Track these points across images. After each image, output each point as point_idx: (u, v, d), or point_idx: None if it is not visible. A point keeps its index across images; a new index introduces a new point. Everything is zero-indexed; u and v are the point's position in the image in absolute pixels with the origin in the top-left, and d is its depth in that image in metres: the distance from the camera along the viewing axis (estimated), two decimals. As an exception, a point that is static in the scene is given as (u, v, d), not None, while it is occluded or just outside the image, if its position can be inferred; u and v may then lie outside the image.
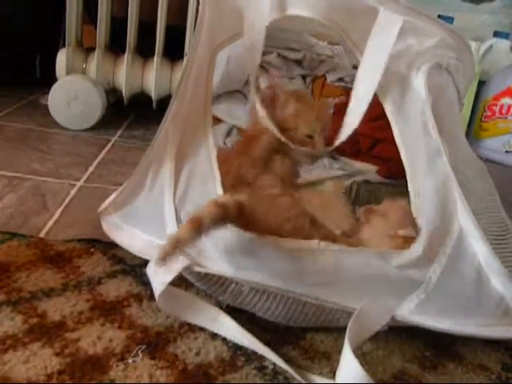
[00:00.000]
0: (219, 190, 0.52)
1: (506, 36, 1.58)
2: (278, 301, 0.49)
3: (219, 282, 0.50)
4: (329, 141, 0.60)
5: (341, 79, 1.21)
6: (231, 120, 1.12)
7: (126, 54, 1.16)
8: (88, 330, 0.48)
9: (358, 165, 1.06)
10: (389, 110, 0.53)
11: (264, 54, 0.58)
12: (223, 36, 0.56)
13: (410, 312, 0.49)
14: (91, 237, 0.65)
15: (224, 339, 0.49)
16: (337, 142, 0.58)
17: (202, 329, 0.50)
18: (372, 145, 1.08)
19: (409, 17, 0.51)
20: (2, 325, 0.47)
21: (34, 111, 1.25)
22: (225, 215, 0.46)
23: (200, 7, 0.53)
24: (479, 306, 0.50)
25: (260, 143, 0.60)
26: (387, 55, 0.51)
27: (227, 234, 0.48)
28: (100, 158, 0.99)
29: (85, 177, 0.88)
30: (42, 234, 0.65)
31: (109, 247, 0.62)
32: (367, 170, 1.03)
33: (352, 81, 0.61)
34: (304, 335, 0.52)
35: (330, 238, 0.52)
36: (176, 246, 0.44)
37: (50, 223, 0.69)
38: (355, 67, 1.16)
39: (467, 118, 1.46)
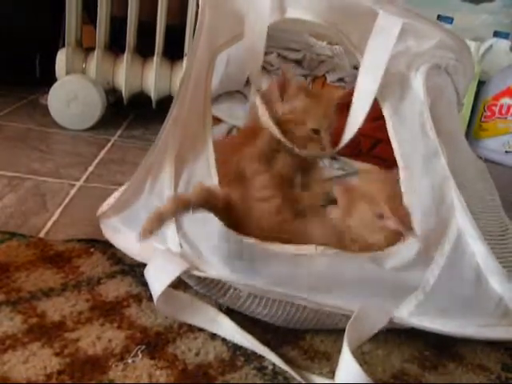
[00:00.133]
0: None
1: (505, 36, 1.57)
2: (277, 306, 0.49)
3: (218, 286, 0.50)
4: (332, 138, 0.60)
5: (341, 79, 1.21)
6: (231, 120, 1.12)
7: (125, 54, 1.16)
8: (87, 330, 0.48)
9: (358, 165, 1.06)
10: (386, 110, 0.53)
11: (264, 54, 0.58)
12: (223, 38, 0.56)
13: (408, 314, 0.49)
14: (91, 237, 0.65)
15: (223, 339, 0.49)
16: (340, 145, 0.58)
17: (201, 329, 0.50)
18: (373, 145, 1.07)
19: (408, 19, 0.51)
20: (2, 325, 0.47)
21: (34, 111, 1.25)
22: (210, 200, 0.49)
23: (200, 10, 0.52)
24: (478, 306, 0.50)
25: (262, 138, 0.59)
26: (387, 57, 0.51)
27: (226, 239, 0.48)
28: (100, 157, 0.99)
29: (84, 177, 0.88)
30: (41, 234, 0.65)
31: (108, 247, 0.62)
32: (367, 170, 1.03)
33: (352, 81, 0.61)
34: (304, 335, 0.52)
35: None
36: (160, 220, 0.48)
37: (50, 223, 0.69)
38: (355, 67, 1.16)
39: (467, 118, 1.45)
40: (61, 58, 1.15)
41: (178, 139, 0.54)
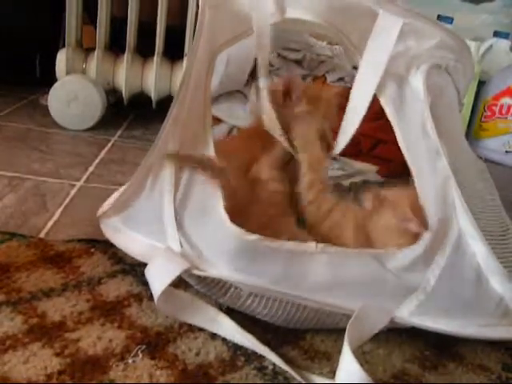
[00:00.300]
0: (218, 195, 0.51)
1: (505, 36, 1.57)
2: (278, 305, 0.49)
3: (218, 285, 0.50)
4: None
5: (341, 79, 1.21)
6: (231, 120, 1.12)
7: (125, 54, 1.16)
8: (88, 330, 0.48)
9: (358, 165, 1.06)
10: (388, 110, 0.53)
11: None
12: (223, 38, 0.56)
13: (409, 313, 0.49)
14: (91, 237, 0.65)
15: (224, 339, 0.49)
16: (338, 149, 0.58)
17: (201, 329, 0.50)
18: (373, 145, 1.07)
19: (408, 19, 0.51)
20: (2, 325, 0.47)
21: (34, 111, 1.25)
22: (210, 166, 0.52)
23: (200, 10, 0.53)
24: (479, 306, 0.50)
25: (278, 147, 0.59)
26: (387, 57, 0.51)
27: (227, 238, 0.48)
28: (100, 157, 0.99)
29: (85, 177, 0.88)
30: (41, 235, 0.65)
31: (109, 247, 0.62)
32: (367, 170, 1.03)
33: (352, 81, 0.61)
34: (304, 335, 0.52)
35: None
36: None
37: (50, 223, 0.69)
38: (355, 67, 1.16)
39: (467, 118, 1.45)
40: (61, 58, 1.15)
41: (178, 139, 0.54)
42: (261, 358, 0.48)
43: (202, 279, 0.50)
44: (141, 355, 0.46)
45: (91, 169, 0.92)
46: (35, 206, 0.74)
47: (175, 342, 0.48)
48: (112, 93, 1.22)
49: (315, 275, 0.49)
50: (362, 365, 0.42)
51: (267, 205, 0.54)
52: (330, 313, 0.49)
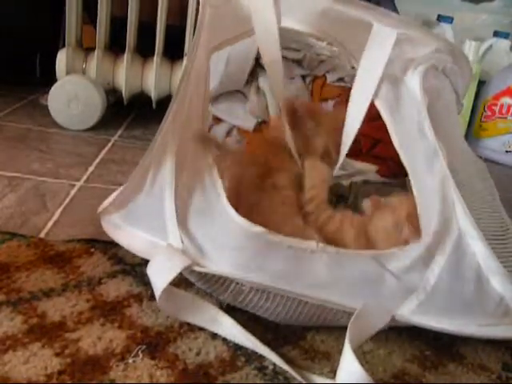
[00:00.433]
0: (220, 191, 0.52)
1: (505, 36, 1.57)
2: (279, 300, 0.49)
3: (219, 281, 0.50)
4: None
5: (341, 79, 1.21)
6: (231, 120, 1.12)
7: (125, 54, 1.16)
8: (88, 330, 0.48)
9: (359, 165, 1.06)
10: (383, 113, 0.53)
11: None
12: (223, 38, 0.57)
13: (410, 312, 0.49)
14: (91, 237, 0.65)
15: (224, 339, 0.49)
16: (340, 159, 0.59)
17: (202, 328, 0.50)
18: (372, 145, 1.07)
19: (402, 29, 0.52)
20: (2, 325, 0.47)
21: (34, 111, 1.25)
22: (226, 150, 0.57)
23: (200, 9, 0.53)
24: (479, 306, 0.50)
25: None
26: (382, 69, 0.52)
27: (228, 234, 0.48)
28: (100, 157, 0.99)
29: (85, 177, 0.88)
30: (41, 235, 0.65)
31: (109, 247, 0.62)
32: (367, 169, 1.03)
33: (352, 81, 0.61)
34: (304, 335, 0.52)
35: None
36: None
37: (50, 223, 0.69)
38: (354, 67, 1.16)
39: (467, 118, 1.45)
40: (61, 58, 1.15)
41: (179, 135, 0.54)
42: (261, 357, 0.48)
43: (203, 276, 0.50)
44: (141, 355, 0.46)
45: (91, 169, 0.92)
46: (35, 206, 0.74)
47: (175, 341, 0.48)
48: (112, 93, 1.22)
49: (315, 274, 0.49)
50: (362, 365, 0.42)
51: (278, 204, 0.55)
52: (330, 310, 0.49)
